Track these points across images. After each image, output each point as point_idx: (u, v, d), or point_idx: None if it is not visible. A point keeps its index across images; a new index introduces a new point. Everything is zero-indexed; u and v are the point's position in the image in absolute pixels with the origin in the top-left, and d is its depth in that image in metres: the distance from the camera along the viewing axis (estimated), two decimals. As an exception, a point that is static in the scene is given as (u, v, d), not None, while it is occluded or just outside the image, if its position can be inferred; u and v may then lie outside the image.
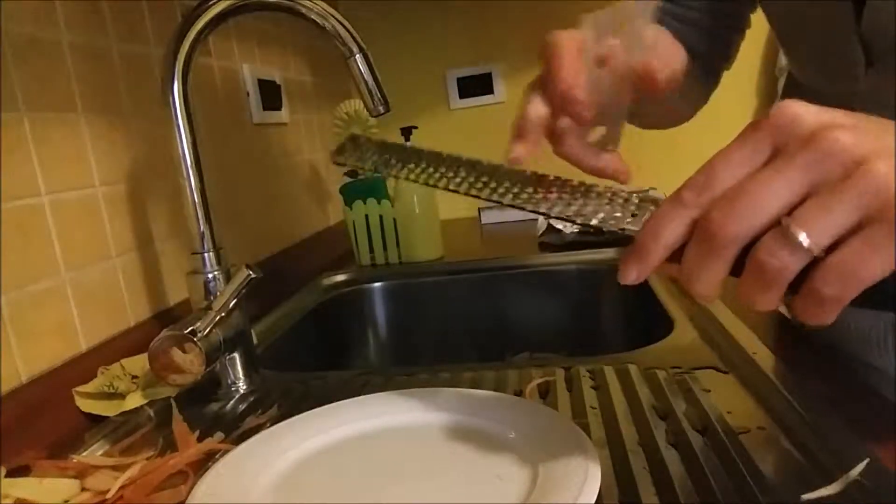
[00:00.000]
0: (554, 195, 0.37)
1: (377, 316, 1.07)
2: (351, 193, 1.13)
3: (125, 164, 0.70)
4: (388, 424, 0.49)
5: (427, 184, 0.40)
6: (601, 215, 0.35)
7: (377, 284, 1.06)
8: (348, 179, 1.16)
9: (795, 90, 0.61)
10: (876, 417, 0.44)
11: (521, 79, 1.52)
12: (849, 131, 0.26)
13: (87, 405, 0.56)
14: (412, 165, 0.42)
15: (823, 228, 0.26)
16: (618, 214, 0.35)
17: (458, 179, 0.40)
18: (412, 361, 1.05)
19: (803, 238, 0.26)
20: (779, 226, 0.27)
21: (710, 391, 0.50)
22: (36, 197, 0.57)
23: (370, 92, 0.64)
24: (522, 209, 0.37)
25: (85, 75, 0.65)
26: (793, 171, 0.26)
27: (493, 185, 0.39)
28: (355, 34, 0.62)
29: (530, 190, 0.38)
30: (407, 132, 1.11)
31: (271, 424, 0.51)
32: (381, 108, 0.65)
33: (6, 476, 0.44)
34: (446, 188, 0.39)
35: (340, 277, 1.08)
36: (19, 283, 0.54)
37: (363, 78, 0.63)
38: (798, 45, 0.56)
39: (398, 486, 0.42)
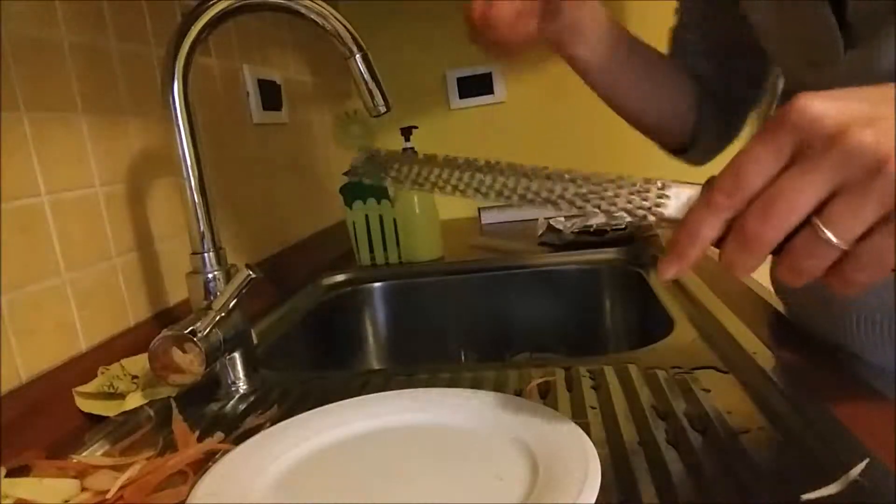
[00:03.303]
0: (580, 191, 0.37)
1: (377, 316, 1.07)
2: (351, 193, 1.13)
3: (125, 164, 0.70)
4: (388, 424, 0.49)
5: (447, 191, 0.40)
6: (628, 206, 0.36)
7: (377, 284, 1.06)
8: (348, 179, 1.16)
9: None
10: (876, 417, 0.44)
11: (521, 79, 1.53)
12: (869, 129, 0.27)
13: (87, 405, 0.56)
14: (428, 173, 0.41)
15: (851, 227, 0.28)
16: (644, 203, 0.36)
17: (483, 184, 0.39)
18: (412, 361, 1.05)
19: (834, 237, 0.28)
20: (810, 225, 0.29)
21: (710, 391, 0.50)
22: (36, 197, 0.57)
23: (370, 92, 0.64)
24: (556, 206, 0.37)
25: (85, 75, 0.65)
26: (820, 172, 0.28)
27: (512, 184, 0.39)
28: (355, 34, 0.62)
29: (553, 186, 0.38)
30: (407, 132, 1.11)
31: (271, 424, 0.51)
32: (381, 108, 0.65)
33: (6, 476, 0.44)
34: (473, 194, 0.39)
35: (340, 277, 1.08)
36: (19, 283, 0.54)
37: (363, 78, 0.63)
38: (773, 31, 0.56)
39: (398, 486, 0.42)
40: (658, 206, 0.35)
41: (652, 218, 0.35)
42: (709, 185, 0.33)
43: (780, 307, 0.67)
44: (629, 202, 0.36)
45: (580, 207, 0.37)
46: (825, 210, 0.28)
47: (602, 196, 0.37)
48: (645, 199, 0.36)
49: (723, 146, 0.72)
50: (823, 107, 0.28)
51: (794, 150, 0.29)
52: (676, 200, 0.35)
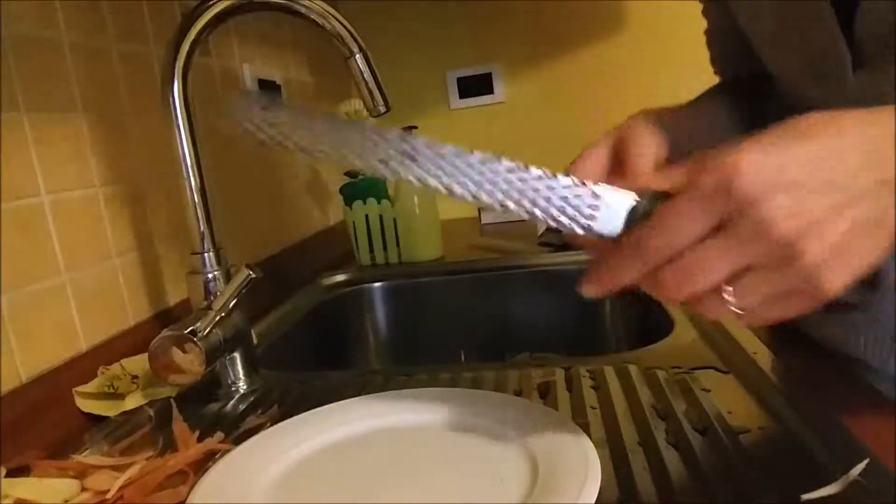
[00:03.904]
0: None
1: (377, 316, 1.07)
2: (351, 193, 1.13)
3: (125, 164, 0.70)
4: (388, 424, 0.49)
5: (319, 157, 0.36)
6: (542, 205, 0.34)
7: (377, 284, 1.06)
8: (348, 179, 1.16)
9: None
10: (876, 417, 0.44)
11: (521, 79, 1.53)
12: (789, 198, 0.29)
13: (87, 405, 0.56)
14: (300, 137, 0.36)
15: (753, 301, 0.31)
16: (575, 209, 0.34)
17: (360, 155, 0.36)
18: (412, 361, 1.05)
19: (736, 306, 0.32)
20: (718, 289, 0.31)
21: (710, 391, 0.50)
22: (36, 197, 0.57)
23: (370, 92, 0.64)
24: (452, 193, 0.35)
25: (85, 75, 0.65)
26: (735, 250, 0.30)
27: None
28: (355, 34, 0.62)
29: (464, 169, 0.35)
30: (407, 132, 1.11)
31: (271, 424, 0.51)
32: (381, 108, 0.65)
33: (6, 476, 0.44)
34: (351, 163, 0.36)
35: (340, 277, 1.08)
36: (19, 283, 0.54)
37: (363, 78, 0.63)
38: (776, 41, 0.55)
39: (398, 486, 0.42)
40: (589, 217, 0.33)
41: (579, 230, 0.34)
42: (646, 198, 0.33)
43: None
44: (561, 205, 0.33)
45: (500, 203, 0.34)
46: (735, 283, 0.31)
47: (532, 195, 0.34)
48: (577, 206, 0.33)
49: None
50: (749, 169, 0.29)
51: (722, 215, 0.30)
52: (607, 211, 0.33)
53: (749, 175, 0.29)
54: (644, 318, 0.87)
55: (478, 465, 0.43)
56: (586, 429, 0.45)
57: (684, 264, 0.31)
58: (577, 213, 0.34)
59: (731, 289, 0.31)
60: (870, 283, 0.32)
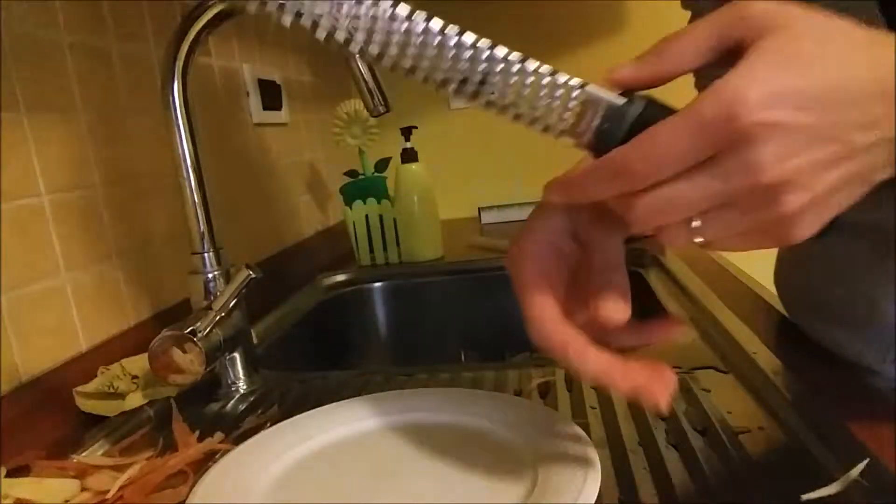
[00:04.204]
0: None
1: (377, 316, 1.07)
2: (351, 193, 1.13)
3: (125, 164, 0.70)
4: (388, 424, 0.49)
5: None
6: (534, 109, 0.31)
7: (377, 284, 1.06)
8: (348, 179, 1.16)
9: None
10: (876, 417, 0.43)
11: (521, 79, 1.53)
12: (788, 142, 0.27)
13: (87, 405, 0.56)
14: None
15: (720, 234, 0.30)
16: (557, 104, 0.31)
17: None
18: (412, 361, 1.05)
19: (701, 238, 0.30)
20: (688, 220, 0.30)
21: (710, 391, 0.50)
22: (36, 197, 0.57)
23: (370, 92, 0.64)
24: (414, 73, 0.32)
25: (85, 75, 0.65)
26: (718, 188, 0.28)
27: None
28: (355, 34, 0.61)
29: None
30: (407, 132, 1.11)
31: (271, 424, 0.51)
32: (381, 108, 0.65)
33: (6, 476, 0.44)
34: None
35: (340, 277, 1.08)
36: (19, 283, 0.54)
37: (363, 78, 0.63)
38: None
39: (398, 486, 0.42)
40: (566, 117, 0.31)
41: (558, 128, 0.32)
42: (638, 103, 0.30)
43: (781, 308, 0.67)
44: (540, 98, 0.31)
45: (473, 87, 0.32)
46: (706, 216, 0.30)
47: (506, 80, 0.31)
48: (557, 101, 0.31)
49: None
50: (752, 92, 0.27)
51: (715, 148, 0.28)
52: (592, 112, 0.31)
53: (753, 111, 0.27)
54: (644, 317, 0.87)
55: (478, 465, 0.43)
56: (586, 429, 0.45)
57: (663, 195, 0.29)
58: (561, 111, 0.31)
59: (699, 222, 0.30)
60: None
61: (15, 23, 0.56)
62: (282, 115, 1.12)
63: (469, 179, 1.56)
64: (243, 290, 0.59)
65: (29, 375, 0.54)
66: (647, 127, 0.29)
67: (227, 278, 0.61)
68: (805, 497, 0.36)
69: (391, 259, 1.12)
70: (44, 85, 0.60)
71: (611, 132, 0.31)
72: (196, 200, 0.61)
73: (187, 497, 0.41)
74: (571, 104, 0.31)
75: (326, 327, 0.98)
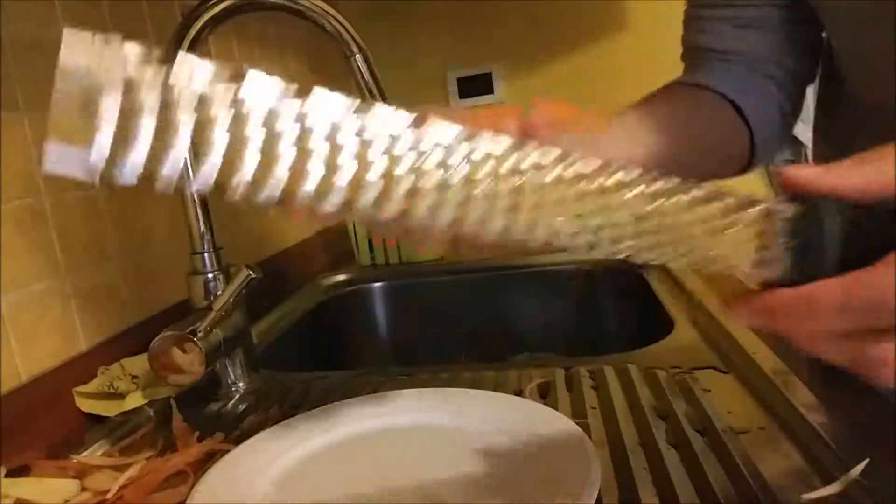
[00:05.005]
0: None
1: (377, 316, 1.07)
2: (351, 193, 1.13)
3: (125, 164, 0.70)
4: (388, 424, 0.49)
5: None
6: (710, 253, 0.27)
7: (377, 284, 1.06)
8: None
9: (834, 101, 0.55)
10: (876, 417, 0.44)
11: (521, 79, 1.52)
12: None
13: (87, 405, 0.56)
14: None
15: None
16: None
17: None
18: (412, 361, 1.05)
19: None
20: None
21: (710, 391, 0.50)
22: (36, 197, 0.57)
23: (370, 92, 0.64)
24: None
25: (85, 75, 0.65)
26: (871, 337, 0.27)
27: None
28: (355, 34, 0.61)
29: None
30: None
31: (271, 424, 0.51)
32: (380, 108, 0.65)
33: (6, 476, 0.44)
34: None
35: (340, 277, 1.08)
36: (19, 283, 0.54)
37: (363, 78, 0.63)
38: (863, 53, 0.48)
39: (398, 486, 0.42)
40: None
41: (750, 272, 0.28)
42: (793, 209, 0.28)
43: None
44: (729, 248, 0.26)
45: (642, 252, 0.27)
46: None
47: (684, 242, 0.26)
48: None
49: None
50: None
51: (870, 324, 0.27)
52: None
53: None
54: (644, 318, 0.88)
55: (478, 465, 0.43)
56: (586, 429, 0.45)
57: (813, 328, 0.28)
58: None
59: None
60: None
61: (15, 23, 0.56)
62: (282, 115, 1.12)
63: (469, 179, 1.56)
64: (243, 290, 0.59)
65: (29, 375, 0.54)
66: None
67: (227, 278, 0.61)
68: (805, 497, 0.36)
69: (391, 259, 1.12)
70: (44, 85, 0.59)
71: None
72: (196, 200, 0.61)
73: (187, 497, 0.41)
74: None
75: (326, 327, 0.98)
